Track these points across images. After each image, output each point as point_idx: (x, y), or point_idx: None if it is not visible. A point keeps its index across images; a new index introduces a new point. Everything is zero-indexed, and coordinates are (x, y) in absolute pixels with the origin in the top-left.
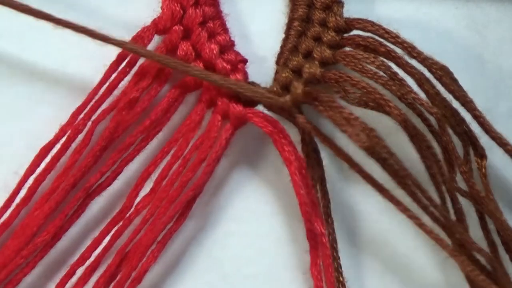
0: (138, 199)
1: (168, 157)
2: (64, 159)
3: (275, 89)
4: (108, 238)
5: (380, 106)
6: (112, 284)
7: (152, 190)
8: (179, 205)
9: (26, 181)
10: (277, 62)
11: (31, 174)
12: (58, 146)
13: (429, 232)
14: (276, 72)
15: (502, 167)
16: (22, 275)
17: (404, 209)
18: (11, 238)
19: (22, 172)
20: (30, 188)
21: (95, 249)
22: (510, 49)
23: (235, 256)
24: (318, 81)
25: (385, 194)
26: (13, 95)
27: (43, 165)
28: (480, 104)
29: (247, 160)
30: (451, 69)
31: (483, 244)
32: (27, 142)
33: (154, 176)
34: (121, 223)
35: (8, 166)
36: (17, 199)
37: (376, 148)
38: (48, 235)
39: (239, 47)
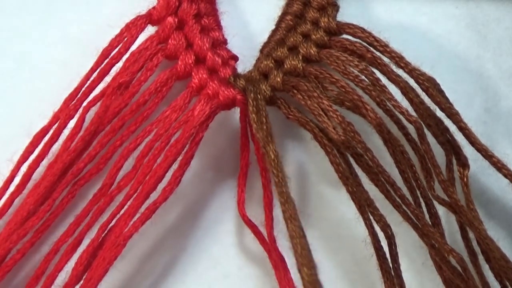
0: (119, 177)
1: (151, 136)
2: (57, 146)
3: (252, 74)
4: (90, 215)
5: (356, 107)
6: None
7: (134, 167)
8: (162, 171)
9: (20, 168)
10: (261, 51)
11: (25, 161)
12: (51, 133)
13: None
14: (258, 59)
15: (486, 178)
16: (13, 262)
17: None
18: (5, 226)
19: (16, 159)
20: (24, 175)
21: (78, 226)
22: (510, 49)
23: (235, 255)
24: (298, 74)
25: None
26: (10, 91)
27: (36, 152)
28: (480, 104)
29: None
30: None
31: (464, 253)
32: (21, 130)
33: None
34: (102, 200)
35: (1, 154)
36: (11, 187)
37: (352, 143)
38: (37, 220)
39: (235, 45)
